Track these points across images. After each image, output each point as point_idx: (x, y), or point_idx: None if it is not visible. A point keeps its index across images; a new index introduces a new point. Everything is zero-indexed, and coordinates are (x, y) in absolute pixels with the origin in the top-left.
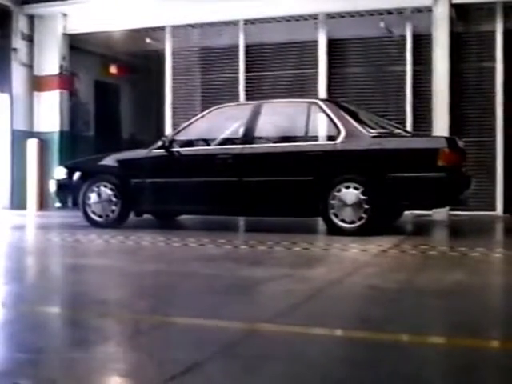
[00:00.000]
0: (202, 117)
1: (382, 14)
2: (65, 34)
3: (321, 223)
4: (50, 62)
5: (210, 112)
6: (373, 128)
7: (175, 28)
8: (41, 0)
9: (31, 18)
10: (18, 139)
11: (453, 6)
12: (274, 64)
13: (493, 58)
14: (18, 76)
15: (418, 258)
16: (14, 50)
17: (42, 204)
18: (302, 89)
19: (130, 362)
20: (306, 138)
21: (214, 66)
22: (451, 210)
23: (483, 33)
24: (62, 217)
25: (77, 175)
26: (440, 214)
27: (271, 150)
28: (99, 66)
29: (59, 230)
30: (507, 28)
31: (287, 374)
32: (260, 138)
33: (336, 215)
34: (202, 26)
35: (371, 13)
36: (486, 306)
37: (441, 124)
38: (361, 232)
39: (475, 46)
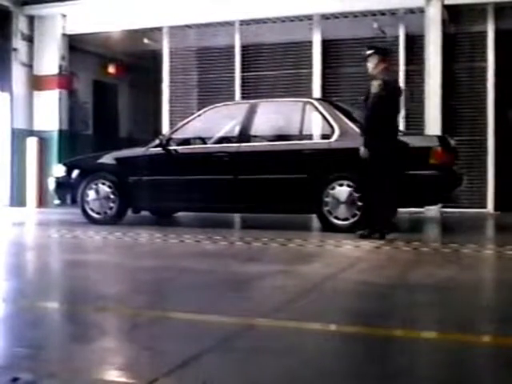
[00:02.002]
0: (199, 115)
1: (375, 14)
2: (64, 35)
3: (315, 220)
4: (50, 61)
5: (207, 111)
6: None
7: (172, 28)
8: (40, 1)
9: (31, 19)
10: (18, 137)
11: (445, 7)
12: (270, 64)
13: (484, 58)
14: (18, 75)
15: (411, 254)
16: (14, 50)
17: (42, 201)
18: (297, 88)
19: (128, 356)
20: (301, 136)
21: (211, 65)
22: (443, 207)
23: (475, 33)
24: (61, 214)
25: (75, 173)
26: (432, 211)
27: (267, 148)
28: (98, 66)
29: (58, 227)
30: (498, 29)
31: (283, 368)
32: (256, 136)
33: (330, 212)
34: (198, 26)
35: (365, 14)
36: (477, 302)
37: (433, 123)
38: (354, 229)
39: (467, 46)
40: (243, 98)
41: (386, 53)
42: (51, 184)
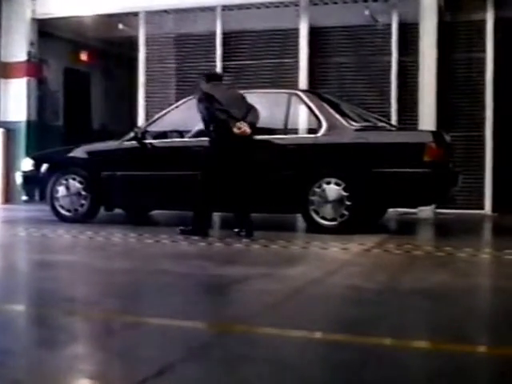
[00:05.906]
0: (177, 107)
1: (366, 1)
2: (33, 19)
3: (300, 220)
4: (18, 48)
5: (185, 102)
6: (356, 121)
7: (149, 14)
8: None
9: None
10: None
11: None
12: (253, 53)
13: (483, 49)
14: None
15: (402, 257)
16: None
17: (8, 197)
18: (282, 79)
19: (99, 364)
20: (286, 130)
21: (190, 54)
22: (437, 207)
23: (473, 22)
24: (29, 211)
25: (44, 167)
26: (425, 211)
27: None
28: (69, 53)
29: (25, 225)
30: (498, 17)
31: (261, 377)
32: None
33: (316, 212)
34: (177, 12)
35: (355, 0)
36: (470, 309)
37: (427, 117)
38: (342, 230)
39: (464, 35)
40: None
41: (211, 76)
42: (18, 179)
